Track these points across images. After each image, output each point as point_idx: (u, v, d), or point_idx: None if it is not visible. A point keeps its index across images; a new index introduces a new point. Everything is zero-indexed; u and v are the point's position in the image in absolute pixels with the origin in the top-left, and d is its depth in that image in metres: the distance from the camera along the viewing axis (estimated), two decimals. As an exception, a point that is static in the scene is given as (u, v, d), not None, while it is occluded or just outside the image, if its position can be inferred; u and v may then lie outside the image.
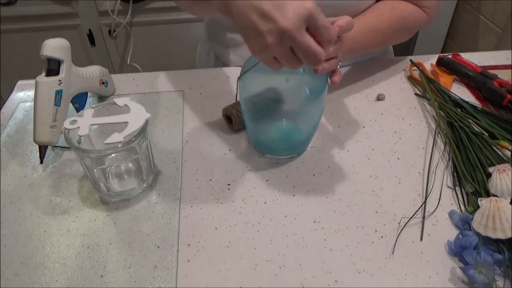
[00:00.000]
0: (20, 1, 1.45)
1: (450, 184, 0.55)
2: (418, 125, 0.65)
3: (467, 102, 0.65)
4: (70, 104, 0.62)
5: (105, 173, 0.54)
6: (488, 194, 0.51)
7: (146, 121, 0.50)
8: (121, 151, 0.50)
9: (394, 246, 0.48)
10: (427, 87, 0.69)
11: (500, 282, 0.43)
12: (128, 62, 1.64)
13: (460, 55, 0.76)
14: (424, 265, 0.46)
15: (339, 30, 0.44)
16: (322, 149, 0.61)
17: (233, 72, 0.77)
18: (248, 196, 0.54)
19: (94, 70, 0.66)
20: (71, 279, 0.45)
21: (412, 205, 0.52)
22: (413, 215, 0.51)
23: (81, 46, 1.60)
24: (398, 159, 0.59)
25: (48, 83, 0.57)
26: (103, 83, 0.68)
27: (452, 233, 0.49)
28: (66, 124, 0.49)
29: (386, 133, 0.63)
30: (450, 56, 0.75)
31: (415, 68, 0.75)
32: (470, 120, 0.62)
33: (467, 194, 0.53)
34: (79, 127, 0.49)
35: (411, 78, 0.74)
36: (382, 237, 0.49)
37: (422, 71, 0.73)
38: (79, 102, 0.65)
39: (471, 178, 0.54)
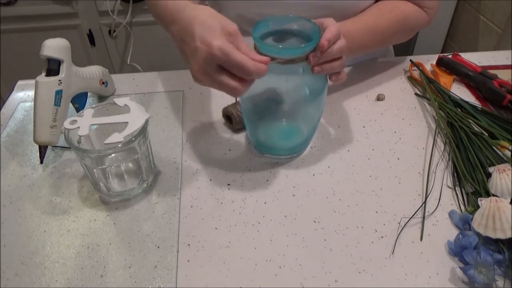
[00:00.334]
0: (20, 1, 1.45)
1: (450, 184, 0.55)
2: (418, 125, 0.65)
3: (467, 102, 0.65)
4: (70, 104, 0.62)
5: (105, 173, 0.54)
6: (488, 194, 0.51)
7: (146, 121, 0.50)
8: (121, 151, 0.50)
9: (394, 246, 0.48)
10: (427, 87, 0.69)
11: (500, 282, 0.43)
12: (128, 62, 1.64)
13: (460, 55, 0.76)
14: (424, 265, 0.46)
15: (327, 44, 0.46)
16: (322, 149, 0.61)
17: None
18: (248, 196, 0.54)
19: (94, 70, 0.66)
20: (71, 279, 0.45)
21: (412, 205, 0.52)
22: (413, 215, 0.51)
23: (81, 46, 1.60)
24: (398, 159, 0.59)
25: (48, 83, 0.57)
26: (103, 83, 0.68)
27: (452, 233, 0.49)
28: (66, 124, 0.49)
29: (386, 133, 0.63)
30: (450, 56, 0.75)
31: (415, 68, 0.75)
32: (470, 120, 0.62)
33: (467, 194, 0.53)
34: (79, 127, 0.49)
35: (411, 78, 0.74)
36: (382, 237, 0.49)
37: (422, 71, 0.73)
38: (79, 102, 0.65)
39: (471, 178, 0.54)
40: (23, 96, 0.73)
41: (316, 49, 0.47)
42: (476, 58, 0.77)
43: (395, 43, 0.72)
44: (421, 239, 0.48)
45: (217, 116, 0.67)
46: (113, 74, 0.74)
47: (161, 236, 0.49)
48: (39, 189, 0.56)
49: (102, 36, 1.59)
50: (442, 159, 0.59)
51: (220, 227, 0.50)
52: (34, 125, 0.57)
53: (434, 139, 0.62)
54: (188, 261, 0.47)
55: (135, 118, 0.50)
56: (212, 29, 0.41)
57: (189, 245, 0.48)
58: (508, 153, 0.56)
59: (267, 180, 0.56)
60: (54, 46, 0.57)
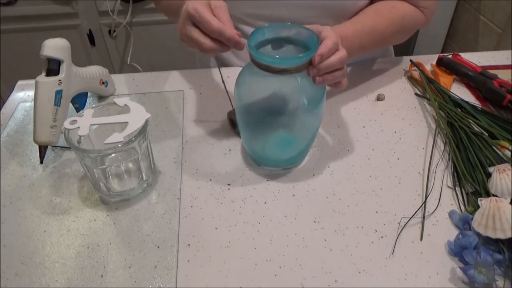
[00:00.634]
0: (20, 1, 1.45)
1: (450, 184, 0.55)
2: (418, 125, 0.65)
3: (467, 102, 0.65)
4: (70, 104, 0.62)
5: (105, 173, 0.54)
6: (488, 194, 0.51)
7: (146, 121, 0.50)
8: (121, 151, 0.50)
9: (394, 246, 0.48)
10: (427, 87, 0.69)
11: (500, 282, 0.43)
12: (128, 62, 1.64)
13: (460, 55, 0.76)
14: (424, 265, 0.46)
15: (319, 60, 0.45)
16: (322, 149, 0.61)
17: (233, 72, 0.77)
18: (248, 196, 0.54)
19: (94, 70, 0.66)
20: (71, 279, 0.45)
21: (412, 205, 0.52)
22: (413, 215, 0.51)
23: (81, 46, 1.60)
24: (398, 159, 0.59)
25: (48, 83, 0.57)
26: (103, 83, 0.68)
27: (452, 233, 0.49)
28: (66, 124, 0.49)
29: (386, 133, 0.63)
30: (450, 56, 0.76)
31: (415, 68, 0.75)
32: (470, 120, 0.62)
33: (467, 194, 0.53)
34: (79, 127, 0.49)
35: (411, 78, 0.74)
36: (382, 237, 0.49)
37: (422, 71, 0.73)
38: (79, 102, 0.65)
39: (471, 178, 0.54)
40: (23, 96, 0.73)
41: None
42: (476, 58, 0.77)
43: (393, 44, 0.72)
44: (421, 239, 0.48)
45: (217, 116, 0.67)
46: (113, 74, 0.74)
47: (161, 236, 0.49)
48: (39, 189, 0.56)
49: (102, 36, 1.59)
50: (442, 159, 0.59)
51: (220, 227, 0.50)
52: (34, 125, 0.57)
53: (434, 139, 0.62)
54: (188, 261, 0.47)
55: (135, 118, 0.50)
56: (201, 1, 0.48)
57: (189, 245, 0.49)
58: (508, 153, 0.56)
59: (267, 180, 0.56)
60: (54, 46, 0.57)
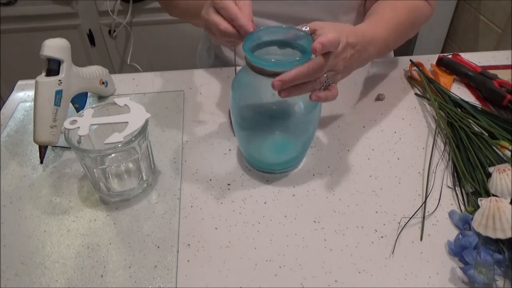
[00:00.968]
0: (20, 1, 1.45)
1: (450, 184, 0.55)
2: (418, 125, 0.65)
3: (467, 102, 0.65)
4: (70, 104, 0.62)
5: (105, 173, 0.54)
6: (488, 194, 0.51)
7: (146, 121, 0.50)
8: (121, 151, 0.50)
9: (394, 246, 0.48)
10: (427, 87, 0.69)
11: (500, 282, 0.43)
12: (128, 62, 1.64)
13: (460, 55, 0.76)
14: (424, 265, 0.46)
15: (321, 48, 0.43)
16: (322, 149, 0.61)
17: (233, 72, 0.77)
18: (248, 196, 0.54)
19: (94, 70, 0.66)
20: (71, 279, 0.45)
21: (412, 205, 0.52)
22: (413, 215, 0.51)
23: (81, 46, 1.60)
24: (398, 159, 0.59)
25: (48, 83, 0.57)
26: (103, 83, 0.68)
27: (452, 233, 0.49)
28: (66, 124, 0.49)
29: (386, 133, 0.63)
30: (450, 56, 0.76)
31: (415, 68, 0.75)
32: (470, 120, 0.62)
33: (467, 194, 0.53)
34: (79, 127, 0.49)
35: (411, 78, 0.74)
36: (382, 237, 0.49)
37: (422, 71, 0.73)
38: (79, 102, 0.65)
39: (471, 178, 0.54)
40: (23, 96, 0.73)
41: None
42: (476, 58, 0.77)
43: (410, 37, 0.69)
44: (421, 239, 0.48)
45: (217, 116, 0.67)
46: (113, 74, 0.74)
47: (161, 236, 0.49)
48: (39, 189, 0.56)
49: (102, 36, 1.59)
50: (442, 159, 0.59)
51: (220, 227, 0.50)
52: (34, 125, 0.57)
53: (434, 139, 0.62)
54: (188, 261, 0.47)
55: (135, 118, 0.50)
56: None
57: (189, 245, 0.49)
58: (508, 153, 0.56)
59: (267, 180, 0.56)
60: (54, 46, 0.57)
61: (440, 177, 0.56)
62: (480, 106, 0.66)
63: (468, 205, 0.51)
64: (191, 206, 0.53)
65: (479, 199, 0.49)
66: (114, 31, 1.57)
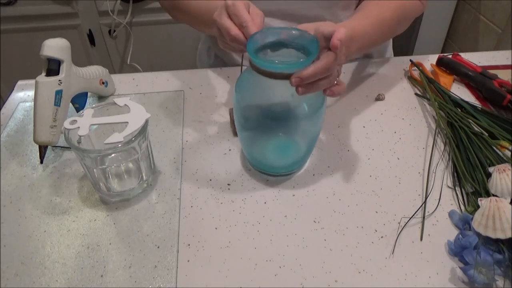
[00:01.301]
0: (20, 1, 1.45)
1: (450, 184, 0.55)
2: (418, 125, 0.65)
3: (467, 102, 0.65)
4: (70, 104, 0.62)
5: (105, 173, 0.54)
6: (488, 194, 0.51)
7: (146, 121, 0.50)
8: (121, 151, 0.50)
9: (394, 246, 0.48)
10: (427, 87, 0.69)
11: (500, 282, 0.43)
12: (128, 62, 1.64)
13: (460, 55, 0.76)
14: (424, 265, 0.46)
15: (340, 44, 0.44)
16: (322, 149, 0.61)
17: (233, 72, 0.77)
18: (248, 196, 0.54)
19: (94, 70, 0.66)
20: (71, 279, 0.45)
21: (412, 205, 0.52)
22: (413, 215, 0.51)
23: (81, 46, 1.60)
24: (398, 159, 0.59)
25: (48, 83, 0.57)
26: (103, 83, 0.68)
27: (452, 233, 0.49)
28: (66, 124, 0.49)
29: (386, 133, 0.63)
30: (450, 56, 0.75)
31: (415, 68, 0.75)
32: (470, 120, 0.62)
33: (467, 194, 0.53)
34: (79, 127, 0.49)
35: (411, 78, 0.74)
36: (382, 237, 0.49)
37: (422, 71, 0.73)
38: (79, 102, 0.65)
39: (471, 178, 0.54)
40: (23, 96, 0.73)
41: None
42: (476, 58, 0.77)
43: (397, 34, 0.70)
44: (421, 239, 0.48)
45: (217, 116, 0.67)
46: (113, 74, 0.74)
47: (161, 236, 0.49)
48: (39, 189, 0.56)
49: (102, 36, 1.59)
50: (442, 159, 0.59)
51: (220, 227, 0.50)
52: (34, 125, 0.57)
53: (434, 139, 0.62)
54: (188, 261, 0.47)
55: (135, 118, 0.50)
56: (242, 0, 0.51)
57: (189, 245, 0.49)
58: (508, 153, 0.56)
59: (267, 180, 0.56)
60: (54, 46, 0.57)
61: (440, 177, 0.56)
62: (480, 106, 0.66)
63: (468, 205, 0.51)
64: (191, 206, 0.53)
65: (479, 199, 0.49)
66: (114, 31, 1.57)
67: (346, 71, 0.77)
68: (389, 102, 0.70)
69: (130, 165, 0.57)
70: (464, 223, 0.49)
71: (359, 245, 0.48)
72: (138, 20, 1.56)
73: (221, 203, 0.53)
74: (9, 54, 1.58)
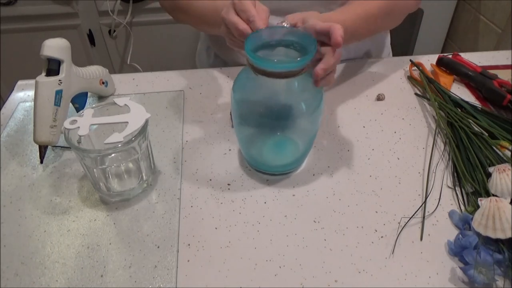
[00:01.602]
0: (20, 1, 1.45)
1: (450, 184, 0.55)
2: (418, 125, 0.65)
3: (467, 102, 0.65)
4: (70, 104, 0.62)
5: (105, 173, 0.54)
6: (488, 194, 0.51)
7: (146, 121, 0.50)
8: (121, 151, 0.50)
9: (394, 246, 0.48)
10: (427, 87, 0.69)
11: (500, 282, 0.43)
12: (128, 62, 1.64)
13: (460, 55, 0.76)
14: (424, 265, 0.46)
15: (341, 41, 0.46)
16: (322, 149, 0.61)
17: (233, 72, 0.77)
18: (248, 196, 0.54)
19: (94, 70, 0.66)
20: (71, 279, 0.45)
21: (412, 205, 0.52)
22: (413, 215, 0.51)
23: (81, 46, 1.60)
24: (398, 159, 0.59)
25: (48, 83, 0.57)
26: (103, 83, 0.68)
27: (452, 233, 0.49)
28: (66, 124, 0.49)
29: (386, 133, 0.63)
30: (450, 56, 0.76)
31: (415, 68, 0.75)
32: (470, 120, 0.62)
33: (467, 194, 0.53)
34: (79, 127, 0.49)
35: (411, 78, 0.74)
36: (382, 237, 0.49)
37: (422, 71, 0.73)
38: (79, 102, 0.65)
39: (471, 178, 0.54)
40: (23, 96, 0.73)
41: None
42: (476, 58, 0.77)
43: (386, 29, 0.70)
44: (421, 239, 0.48)
45: (217, 116, 0.67)
46: (113, 74, 0.74)
47: (161, 236, 0.49)
48: (39, 189, 0.56)
49: (102, 36, 1.59)
50: (442, 159, 0.59)
51: (220, 227, 0.50)
52: (34, 125, 0.57)
53: (434, 139, 0.62)
54: (188, 261, 0.47)
55: (135, 118, 0.50)
56: None
57: (189, 245, 0.49)
58: (508, 153, 0.56)
59: (267, 180, 0.56)
60: (54, 46, 0.57)
61: (440, 177, 0.56)
62: (480, 106, 0.66)
63: (468, 205, 0.51)
64: (191, 206, 0.53)
65: (479, 199, 0.49)
66: (114, 31, 1.57)
67: (346, 71, 0.77)
68: (389, 102, 0.70)
69: (130, 165, 0.57)
70: (464, 223, 0.49)
71: (359, 245, 0.48)
72: (138, 20, 1.56)
73: (221, 203, 0.53)
74: (9, 54, 1.58)
